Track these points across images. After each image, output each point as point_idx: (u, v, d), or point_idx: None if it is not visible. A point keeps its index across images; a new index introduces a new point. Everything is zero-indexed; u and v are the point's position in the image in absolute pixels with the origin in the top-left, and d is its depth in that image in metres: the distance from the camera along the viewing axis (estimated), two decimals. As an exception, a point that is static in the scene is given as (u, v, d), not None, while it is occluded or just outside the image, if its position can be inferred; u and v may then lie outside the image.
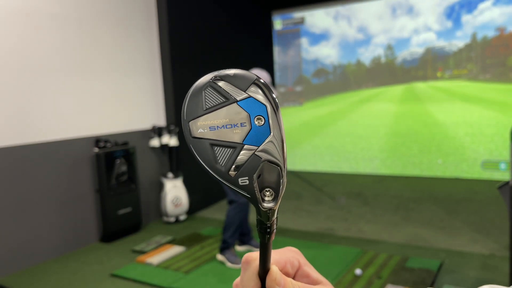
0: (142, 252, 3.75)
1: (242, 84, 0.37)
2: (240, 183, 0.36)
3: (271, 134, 0.37)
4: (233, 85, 0.37)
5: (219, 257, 3.47)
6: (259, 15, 6.73)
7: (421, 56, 6.09)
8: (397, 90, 6.38)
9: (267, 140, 0.37)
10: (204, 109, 0.37)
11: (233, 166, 0.36)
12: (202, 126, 0.37)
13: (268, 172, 0.37)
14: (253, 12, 6.50)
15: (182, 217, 4.73)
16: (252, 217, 3.74)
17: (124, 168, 4.22)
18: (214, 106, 0.37)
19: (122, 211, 4.20)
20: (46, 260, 3.69)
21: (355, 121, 6.66)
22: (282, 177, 0.37)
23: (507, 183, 2.51)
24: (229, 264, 3.36)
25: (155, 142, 4.72)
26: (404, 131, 6.28)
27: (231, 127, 0.37)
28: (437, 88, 6.07)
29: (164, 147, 4.87)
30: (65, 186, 3.88)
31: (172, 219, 4.67)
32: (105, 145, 4.14)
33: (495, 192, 4.68)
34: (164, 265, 3.44)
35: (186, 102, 0.38)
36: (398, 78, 6.34)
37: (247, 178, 0.36)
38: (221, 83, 0.37)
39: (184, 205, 4.69)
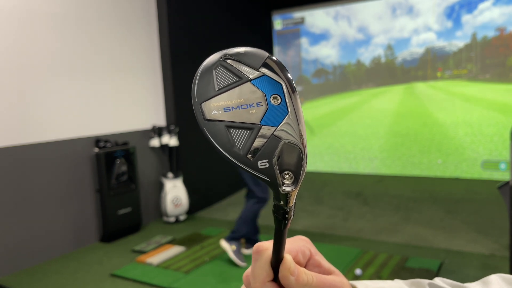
0: (142, 252, 3.75)
1: (254, 62, 0.35)
2: (260, 166, 0.34)
3: (289, 113, 0.35)
4: (244, 63, 0.35)
5: (223, 243, 3.36)
6: (259, 15, 6.73)
7: (421, 56, 6.09)
8: (397, 90, 6.38)
9: (285, 120, 0.35)
10: (217, 89, 0.35)
11: (252, 149, 0.34)
12: (216, 108, 0.35)
13: (288, 154, 0.35)
14: (253, 12, 6.50)
15: (182, 217, 4.73)
16: (262, 217, 3.73)
17: (124, 168, 4.21)
18: (227, 86, 0.35)
19: (122, 211, 4.20)
20: (46, 260, 3.69)
21: (355, 121, 6.66)
22: (302, 159, 0.35)
23: (507, 183, 2.51)
24: (231, 254, 3.28)
25: (155, 142, 4.72)
26: (404, 131, 6.28)
27: (247, 107, 0.35)
28: (437, 88, 6.07)
29: (164, 147, 4.87)
30: (65, 186, 3.88)
31: (172, 219, 4.67)
32: (105, 145, 4.14)
33: (495, 192, 4.67)
34: (164, 265, 3.44)
35: (196, 83, 0.36)
36: (398, 78, 6.34)
37: (266, 160, 0.34)
38: (232, 62, 0.35)
39: (184, 205, 4.69)
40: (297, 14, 6.91)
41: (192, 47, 5.10)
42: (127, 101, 4.53)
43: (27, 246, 3.56)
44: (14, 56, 3.49)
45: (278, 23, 7.07)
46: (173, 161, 4.88)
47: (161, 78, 4.92)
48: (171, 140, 4.77)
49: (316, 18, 6.77)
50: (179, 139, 4.87)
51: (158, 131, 4.77)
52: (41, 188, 3.68)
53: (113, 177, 4.13)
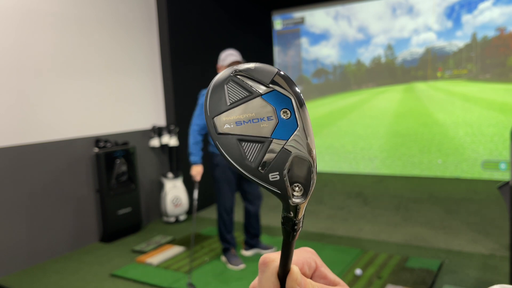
0: (142, 252, 3.75)
1: (264, 77, 0.36)
2: (271, 179, 0.35)
3: (298, 127, 0.36)
4: (254, 78, 0.36)
5: (222, 258, 3.51)
6: (259, 15, 6.73)
7: (421, 56, 6.09)
8: (397, 90, 6.38)
9: (295, 134, 0.36)
10: (228, 104, 0.36)
11: (263, 162, 0.35)
12: (228, 122, 0.36)
13: (297, 167, 0.36)
14: (253, 12, 6.49)
15: (182, 217, 4.73)
16: (265, 219, 3.72)
17: (124, 168, 4.21)
18: (238, 100, 0.36)
19: (122, 211, 4.20)
20: (46, 260, 3.69)
21: (355, 121, 6.65)
22: (312, 172, 0.36)
23: (507, 183, 2.51)
24: (228, 266, 3.37)
25: (155, 142, 4.72)
26: (404, 131, 6.28)
27: (258, 121, 0.36)
28: (437, 88, 6.07)
29: (164, 147, 4.87)
30: (65, 186, 3.88)
31: (172, 219, 4.67)
32: (105, 145, 4.14)
33: (495, 192, 4.67)
34: (164, 265, 3.44)
35: (208, 98, 0.36)
36: (398, 78, 6.33)
37: (277, 173, 0.35)
38: (242, 77, 0.37)
39: (184, 205, 4.69)
40: (297, 14, 6.90)
41: (192, 47, 5.10)
42: (127, 101, 4.53)
43: (27, 246, 3.56)
44: (14, 56, 3.49)
45: (278, 23, 7.07)
46: (173, 161, 4.88)
47: (161, 78, 4.92)
48: (171, 140, 4.77)
49: (316, 18, 6.77)
50: (179, 139, 4.87)
51: (158, 131, 4.77)
52: (41, 188, 3.68)
53: (113, 177, 4.13)
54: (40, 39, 3.68)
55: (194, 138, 3.28)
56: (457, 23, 5.75)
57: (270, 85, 0.36)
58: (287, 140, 0.36)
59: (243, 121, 0.36)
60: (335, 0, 6.53)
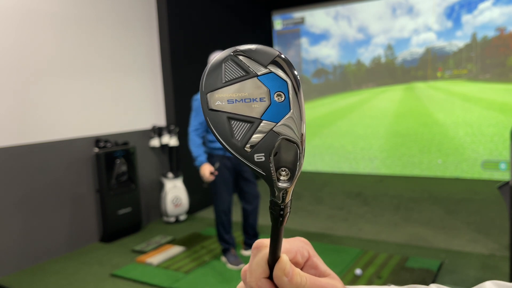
0: (142, 252, 3.75)
1: (263, 59, 0.36)
2: (256, 159, 0.35)
3: (291, 111, 0.36)
4: (254, 59, 0.36)
5: (222, 258, 3.52)
6: (259, 15, 6.73)
7: (421, 56, 6.09)
8: (397, 90, 6.38)
9: (286, 117, 0.36)
10: (223, 81, 0.36)
11: (250, 141, 0.35)
12: (220, 99, 0.36)
13: (285, 151, 0.36)
14: (253, 12, 6.50)
15: (182, 217, 4.73)
16: (263, 219, 3.72)
17: (124, 168, 4.21)
18: (234, 79, 0.36)
19: (122, 211, 4.20)
20: (46, 260, 3.69)
21: (355, 121, 6.66)
22: (299, 157, 0.36)
23: (507, 183, 2.51)
24: (228, 265, 3.37)
25: (155, 142, 4.72)
26: (404, 131, 6.28)
27: (250, 101, 0.36)
28: (437, 88, 6.07)
29: (164, 147, 4.87)
30: (65, 186, 3.88)
31: (172, 219, 4.67)
32: (105, 145, 4.14)
33: (495, 192, 4.68)
34: (164, 265, 3.44)
35: (205, 74, 0.37)
36: (398, 78, 6.34)
37: (263, 154, 0.35)
38: (242, 57, 0.37)
39: (184, 205, 4.69)
40: (297, 14, 6.91)
41: (192, 47, 5.10)
42: (127, 101, 4.53)
43: (27, 246, 3.56)
44: (14, 56, 3.49)
45: (278, 23, 7.07)
46: (173, 161, 4.88)
47: (161, 78, 4.92)
48: (171, 140, 4.77)
49: (316, 18, 6.77)
50: (179, 139, 4.87)
51: (158, 131, 4.77)
52: (41, 188, 3.68)
53: (113, 177, 4.13)
54: (40, 39, 3.68)
55: (194, 142, 3.26)
56: (457, 23, 5.76)
57: (268, 67, 0.36)
58: (277, 123, 0.36)
59: (235, 99, 0.36)
60: (335, 0, 6.54)
